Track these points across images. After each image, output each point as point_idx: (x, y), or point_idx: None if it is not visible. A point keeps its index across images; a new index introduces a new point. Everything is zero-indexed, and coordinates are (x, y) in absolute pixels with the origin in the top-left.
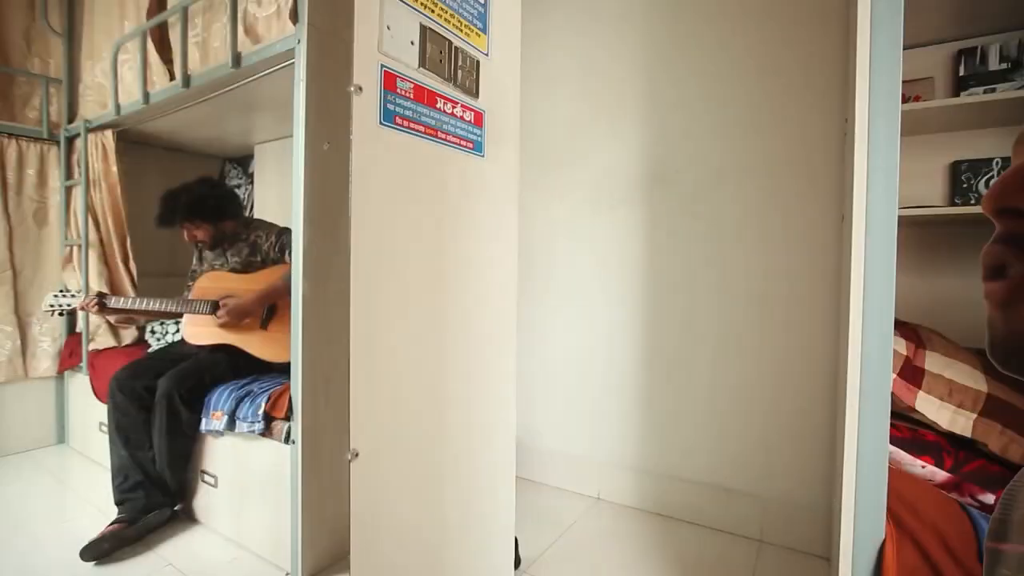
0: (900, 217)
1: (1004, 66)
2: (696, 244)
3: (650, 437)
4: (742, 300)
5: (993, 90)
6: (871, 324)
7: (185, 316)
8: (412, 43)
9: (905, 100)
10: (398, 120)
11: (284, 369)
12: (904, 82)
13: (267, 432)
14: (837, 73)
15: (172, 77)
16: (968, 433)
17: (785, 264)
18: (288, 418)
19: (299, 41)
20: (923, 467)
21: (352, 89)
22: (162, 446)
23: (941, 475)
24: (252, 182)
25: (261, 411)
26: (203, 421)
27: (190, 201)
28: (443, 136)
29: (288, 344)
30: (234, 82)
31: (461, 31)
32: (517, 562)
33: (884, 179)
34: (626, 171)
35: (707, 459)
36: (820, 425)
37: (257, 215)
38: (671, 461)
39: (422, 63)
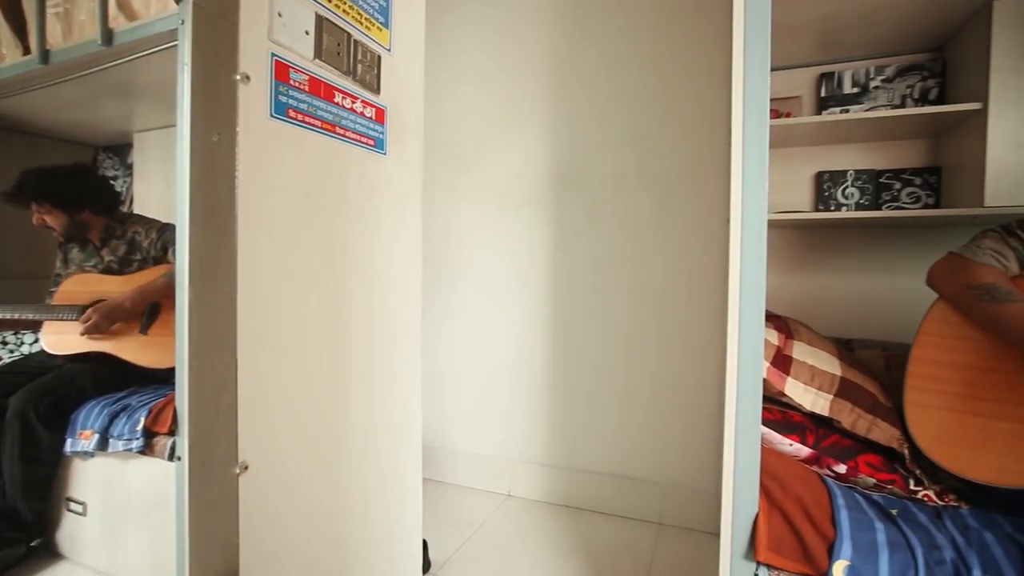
0: (774, 221)
1: (855, 90)
2: (599, 244)
3: (558, 432)
4: (641, 298)
5: (847, 111)
6: (746, 317)
7: (45, 323)
8: (307, 33)
9: (778, 115)
10: (291, 113)
11: (169, 379)
12: (778, 99)
13: (148, 449)
14: (724, 86)
15: (26, 51)
16: (826, 412)
17: (680, 263)
18: (173, 432)
19: (183, 22)
20: (791, 445)
21: (238, 78)
22: (14, 473)
23: (805, 451)
24: (131, 174)
25: (140, 426)
26: (68, 442)
27: (45, 180)
28: (342, 132)
29: (173, 349)
30: (105, 61)
31: (361, 24)
32: (427, 566)
33: (755, 186)
34: (534, 172)
35: (611, 451)
36: (711, 413)
37: (137, 210)
38: (578, 454)
39: (318, 55)
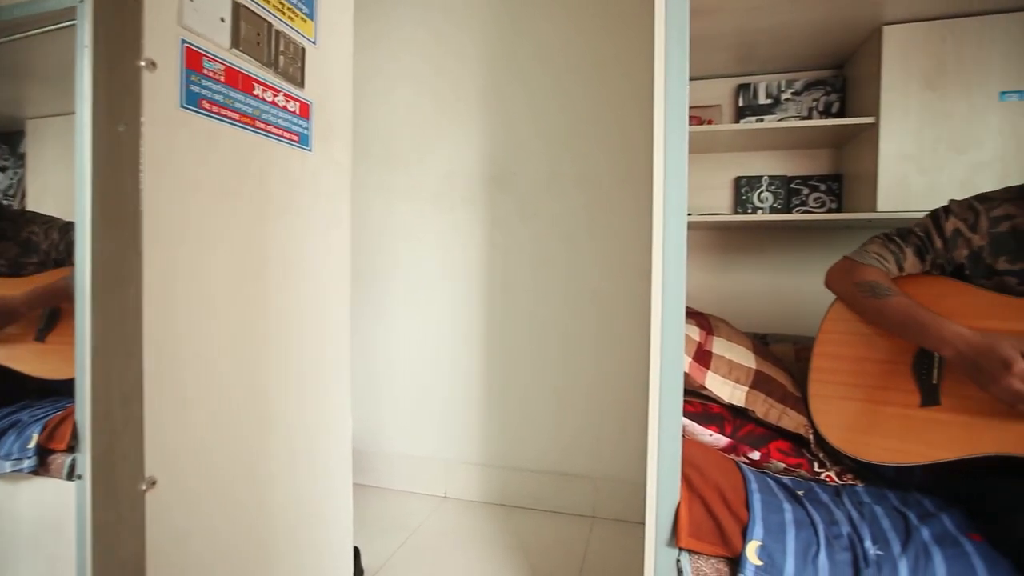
0: (697, 223)
1: (769, 101)
2: (534, 244)
3: (495, 432)
4: (576, 297)
5: (762, 120)
6: (668, 315)
7: None
8: (222, 20)
9: (700, 122)
10: (205, 104)
11: (68, 391)
12: (700, 107)
13: (42, 469)
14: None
15: None
16: (742, 403)
17: (613, 263)
18: (72, 449)
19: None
20: (711, 435)
21: (143, 64)
22: None
23: (724, 440)
24: (23, 165)
25: (33, 444)
26: None
27: None
28: (263, 126)
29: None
30: None
31: (283, 14)
32: (358, 574)
33: (675, 189)
34: (468, 172)
35: (547, 448)
36: (641, 408)
37: (32, 206)
38: (515, 453)
39: (235, 44)
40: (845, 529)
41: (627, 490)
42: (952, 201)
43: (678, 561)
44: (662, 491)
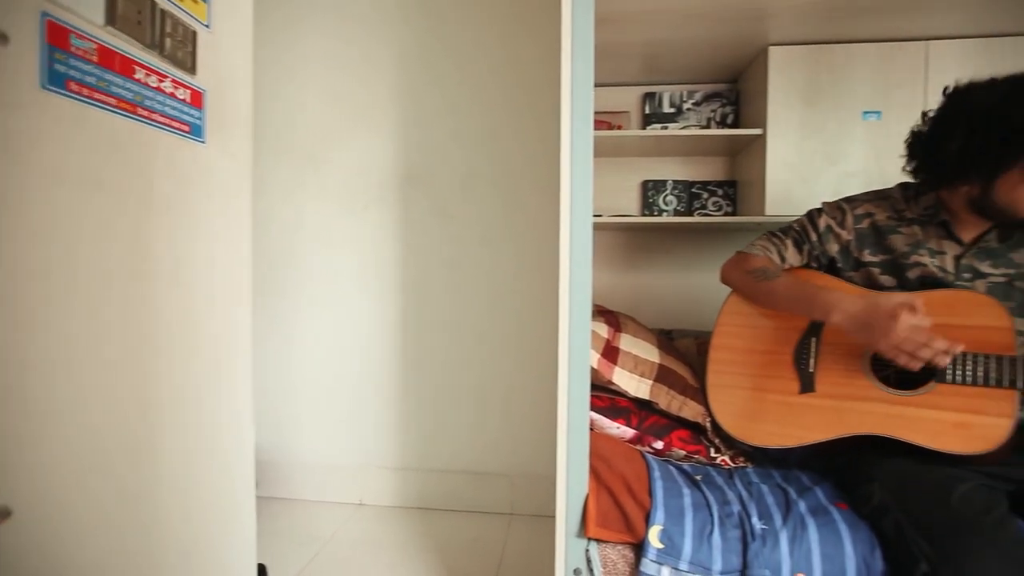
0: (608, 224)
1: (672, 110)
2: (449, 244)
3: (412, 434)
4: (490, 297)
5: (666, 127)
6: (575, 314)
7: None
8: None
9: (610, 127)
10: (73, 86)
11: None
12: (610, 112)
13: None
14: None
15: None
16: (647, 396)
17: (528, 263)
18: None
19: None
20: (618, 428)
21: None
22: None
23: (630, 432)
24: None
25: None
26: None
27: None
28: (145, 113)
29: None
30: None
31: None
32: None
33: (581, 192)
34: (381, 171)
35: (465, 448)
36: (555, 405)
37: None
38: (430, 454)
39: (110, 21)
40: (736, 508)
41: (544, 486)
42: (824, 203)
43: (587, 551)
44: (571, 485)
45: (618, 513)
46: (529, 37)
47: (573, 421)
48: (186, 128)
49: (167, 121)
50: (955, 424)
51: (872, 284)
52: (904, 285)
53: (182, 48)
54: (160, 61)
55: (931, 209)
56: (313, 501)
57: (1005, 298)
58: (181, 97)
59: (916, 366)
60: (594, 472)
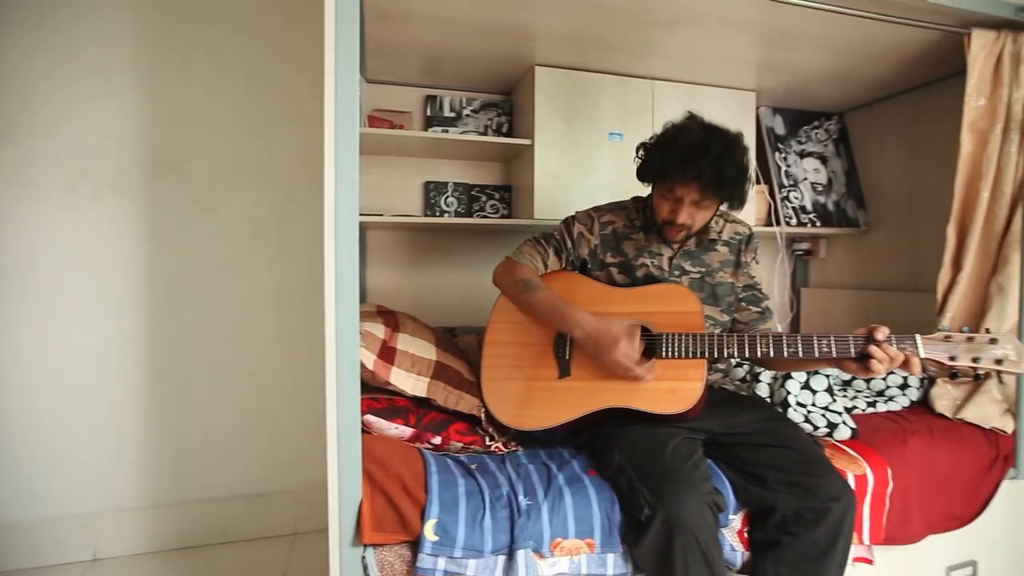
0: (390, 223)
1: (453, 115)
2: (212, 242)
3: (164, 464)
4: (261, 300)
5: (447, 131)
6: (342, 315)
7: None
8: None
9: (392, 126)
10: None
11: None
12: (393, 111)
13: None
14: None
15: None
16: (424, 393)
17: (302, 263)
18: None
19: None
20: (396, 428)
21: None
22: None
23: (409, 431)
24: None
25: None
26: None
27: None
28: None
29: None
30: None
31: None
32: None
33: (347, 190)
34: (119, 153)
35: (237, 471)
36: None
37: None
38: (192, 485)
39: None
40: (505, 490)
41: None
42: (578, 211)
43: (363, 558)
44: (344, 493)
45: (394, 514)
46: (304, 21)
47: (344, 427)
48: None
49: None
50: (667, 390)
51: (611, 281)
52: (634, 282)
53: None
54: None
55: (652, 218)
56: (25, 570)
57: (699, 290)
58: None
59: (629, 378)
60: (368, 476)
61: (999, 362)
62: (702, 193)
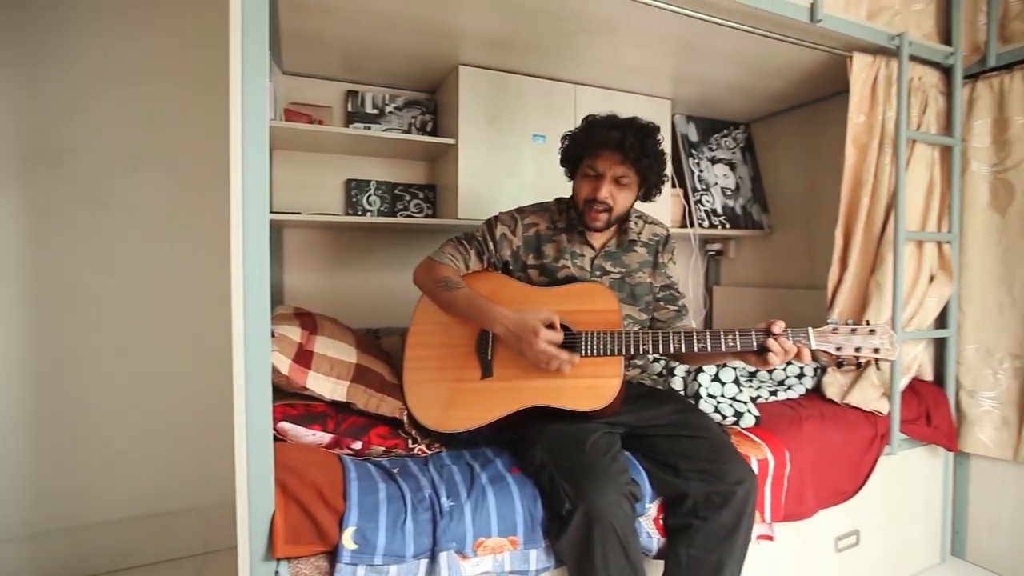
0: (308, 222)
1: (375, 111)
2: (104, 239)
3: (47, 488)
4: (165, 303)
5: (369, 128)
6: (251, 317)
7: None
8: None
9: (311, 121)
10: None
11: None
12: (312, 105)
13: None
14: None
15: None
16: (343, 398)
17: (209, 261)
18: None
19: None
20: (313, 435)
21: None
22: None
23: (327, 437)
24: None
25: None
26: None
27: None
28: None
29: None
30: None
31: None
32: None
33: (256, 185)
34: None
35: (133, 489)
36: None
37: None
38: (82, 509)
39: None
40: (428, 492)
41: None
42: (501, 212)
43: (276, 573)
44: (254, 506)
45: (310, 524)
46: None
47: (254, 436)
48: None
49: None
50: (587, 387)
51: (531, 282)
52: (554, 282)
53: None
54: None
55: (574, 220)
56: None
57: (619, 290)
58: None
59: (553, 370)
60: (281, 486)
61: (876, 351)
62: (623, 164)
